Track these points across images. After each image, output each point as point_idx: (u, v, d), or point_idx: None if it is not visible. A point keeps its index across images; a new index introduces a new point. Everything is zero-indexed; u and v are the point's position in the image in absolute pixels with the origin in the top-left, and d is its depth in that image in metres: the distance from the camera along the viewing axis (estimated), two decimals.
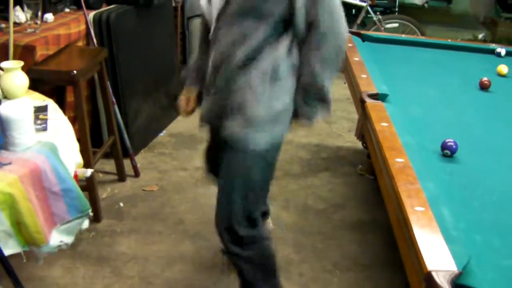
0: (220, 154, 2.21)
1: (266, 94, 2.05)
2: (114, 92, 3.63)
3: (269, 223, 3.09)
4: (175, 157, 4.09)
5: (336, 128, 4.83)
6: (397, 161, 2.02)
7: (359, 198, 3.71)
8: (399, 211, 1.76)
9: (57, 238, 2.19)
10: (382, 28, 6.04)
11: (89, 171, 2.65)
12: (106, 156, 3.69)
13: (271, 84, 2.04)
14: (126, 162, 3.77)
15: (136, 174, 3.79)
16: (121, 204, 3.44)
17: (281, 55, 2.04)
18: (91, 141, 3.12)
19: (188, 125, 4.62)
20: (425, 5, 6.70)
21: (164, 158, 4.09)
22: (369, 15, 6.31)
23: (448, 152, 2.22)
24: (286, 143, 4.31)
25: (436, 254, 1.51)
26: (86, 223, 2.48)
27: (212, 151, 2.54)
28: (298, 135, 4.63)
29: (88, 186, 3.11)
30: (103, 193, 3.53)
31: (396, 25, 6.17)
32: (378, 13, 6.31)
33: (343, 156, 4.33)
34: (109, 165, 3.79)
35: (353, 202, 3.66)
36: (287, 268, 2.96)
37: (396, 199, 1.81)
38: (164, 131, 4.51)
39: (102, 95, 3.46)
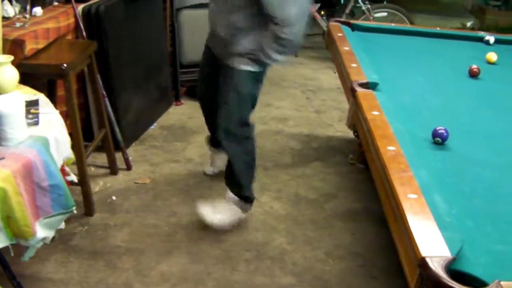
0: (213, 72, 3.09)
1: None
2: (105, 85, 3.61)
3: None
4: (167, 150, 4.09)
5: (326, 118, 4.85)
6: (388, 149, 2.04)
7: (350, 187, 3.72)
8: (392, 198, 1.78)
9: (40, 231, 2.19)
10: (371, 18, 6.05)
11: (74, 177, 2.69)
12: (98, 149, 3.69)
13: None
14: (118, 156, 3.77)
15: (128, 167, 3.78)
16: (114, 198, 3.44)
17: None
18: (82, 134, 3.12)
19: (179, 117, 4.63)
20: None
21: (155, 151, 4.09)
22: (357, 5, 6.31)
23: (439, 140, 2.24)
24: (276, 133, 4.40)
25: (430, 240, 1.53)
26: (62, 224, 2.49)
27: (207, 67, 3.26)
28: (288, 125, 4.65)
29: (81, 180, 3.10)
30: (96, 187, 3.52)
31: (385, 14, 6.18)
32: (367, 2, 6.31)
33: (334, 145, 4.35)
34: (101, 159, 3.79)
35: (345, 191, 3.68)
36: (281, 258, 2.98)
37: (389, 187, 1.82)
38: (155, 124, 4.50)
39: (93, 88, 3.46)
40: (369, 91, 2.63)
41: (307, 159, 4.11)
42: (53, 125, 2.34)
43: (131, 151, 3.99)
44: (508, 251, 1.63)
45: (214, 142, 3.59)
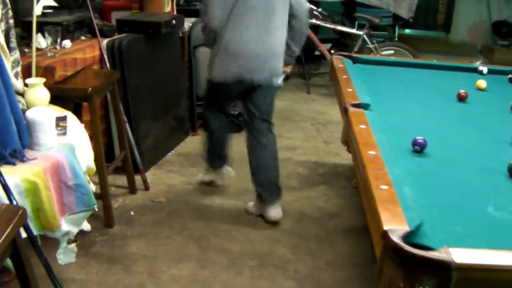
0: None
1: None
2: (126, 112, 3.97)
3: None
4: (183, 174, 4.40)
5: (334, 147, 5.13)
6: (369, 153, 2.32)
7: (352, 207, 3.98)
8: (367, 189, 2.06)
9: (65, 226, 2.50)
10: (378, 55, 6.37)
11: (93, 187, 3.01)
12: (118, 172, 4.04)
13: None
14: (137, 178, 4.09)
15: (146, 187, 4.10)
16: (132, 213, 3.75)
17: None
18: (104, 156, 3.45)
19: (196, 146, 4.93)
20: (410, 20, 7.28)
21: (172, 174, 4.40)
22: (366, 45, 6.66)
23: (418, 148, 2.51)
24: (285, 160, 4.70)
25: (392, 218, 1.80)
26: (88, 226, 2.82)
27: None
28: (297, 153, 4.95)
29: (101, 194, 3.41)
30: (115, 203, 3.83)
31: (392, 52, 6.51)
32: (374, 41, 6.66)
33: (340, 172, 4.63)
34: (121, 180, 4.11)
35: (347, 211, 3.95)
36: (283, 266, 3.25)
37: (366, 181, 2.11)
38: (172, 151, 4.83)
39: (115, 113, 3.81)
40: (360, 110, 2.93)
41: (313, 183, 4.39)
42: (79, 136, 2.67)
43: (149, 174, 4.30)
44: (466, 232, 1.88)
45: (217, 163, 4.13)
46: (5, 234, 1.76)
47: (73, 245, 2.82)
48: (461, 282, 1.57)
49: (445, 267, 1.57)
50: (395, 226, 1.75)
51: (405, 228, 1.75)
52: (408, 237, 1.72)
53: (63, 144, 2.50)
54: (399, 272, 1.63)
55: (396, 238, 1.68)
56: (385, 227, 1.74)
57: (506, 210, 2.08)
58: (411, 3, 7.16)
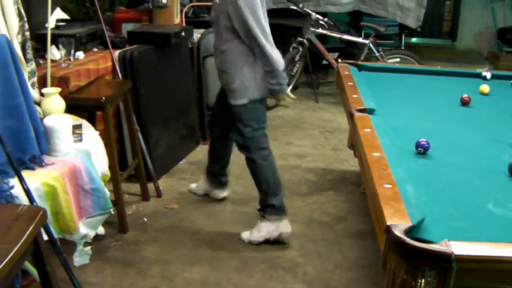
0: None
1: None
2: (138, 121, 4.08)
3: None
4: (194, 181, 4.47)
5: (342, 154, 5.21)
6: (373, 154, 2.42)
7: (360, 212, 4.06)
8: (372, 188, 2.15)
9: (83, 229, 2.60)
10: (384, 63, 6.46)
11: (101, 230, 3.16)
12: (131, 181, 4.16)
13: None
14: (149, 186, 4.19)
15: (159, 194, 4.20)
16: (145, 219, 3.84)
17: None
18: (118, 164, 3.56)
19: (206, 154, 5.01)
20: (418, 29, 7.32)
21: (184, 182, 4.50)
22: (372, 54, 6.75)
23: (421, 150, 2.60)
24: (294, 168, 4.79)
25: (395, 214, 1.90)
26: (102, 229, 2.94)
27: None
28: (306, 160, 5.04)
29: (116, 201, 3.51)
30: (129, 210, 3.93)
31: (397, 60, 6.61)
32: (380, 49, 6.76)
33: (348, 178, 4.71)
34: (134, 188, 4.21)
35: (355, 215, 4.03)
36: (293, 268, 3.33)
37: (370, 180, 2.20)
38: (183, 160, 4.92)
39: (127, 122, 3.92)
40: (365, 114, 3.02)
41: (321, 189, 4.47)
42: (94, 142, 2.78)
43: (162, 182, 4.40)
44: (466, 227, 1.97)
45: (211, 172, 4.14)
46: (27, 232, 1.87)
47: (88, 248, 2.92)
48: (461, 272, 1.66)
49: (445, 259, 1.66)
50: (397, 222, 1.84)
51: (407, 223, 1.84)
52: (410, 232, 1.81)
53: (80, 150, 2.61)
54: (402, 265, 1.73)
55: (398, 232, 1.77)
56: (388, 222, 1.84)
57: (506, 207, 2.17)
58: (418, 13, 7.20)
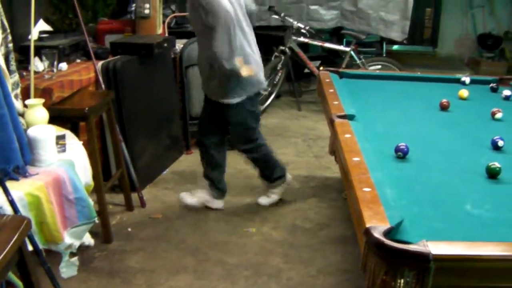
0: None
1: None
2: (121, 131, 4.10)
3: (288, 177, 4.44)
4: (178, 191, 4.48)
5: (324, 161, 5.25)
6: (353, 159, 2.46)
7: (342, 218, 4.10)
8: (352, 192, 2.19)
9: (68, 239, 2.62)
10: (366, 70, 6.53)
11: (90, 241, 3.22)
12: (115, 191, 4.18)
13: None
14: (133, 196, 4.21)
15: (143, 204, 4.21)
16: (129, 229, 3.86)
17: None
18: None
19: (189, 164, 5.05)
20: (404, 41, 7.23)
21: (167, 192, 4.52)
22: (354, 62, 6.82)
23: (400, 154, 2.65)
24: None
25: (374, 216, 1.93)
26: (91, 240, 2.94)
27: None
28: (288, 168, 5.04)
29: (100, 211, 3.52)
30: (113, 220, 3.94)
31: (379, 67, 6.68)
32: (361, 57, 6.83)
33: (330, 184, 4.76)
34: (118, 198, 4.23)
35: (337, 221, 4.07)
36: (277, 274, 3.36)
37: (351, 184, 2.24)
38: (167, 170, 4.94)
39: (111, 132, 3.94)
40: (346, 120, 3.07)
41: (304, 196, 4.51)
42: (77, 152, 2.80)
43: (145, 192, 4.41)
44: (444, 228, 2.01)
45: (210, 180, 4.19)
46: (12, 242, 1.88)
47: (75, 258, 2.93)
48: (439, 272, 1.70)
49: (423, 259, 1.70)
50: (376, 224, 1.88)
51: (386, 225, 1.88)
52: (389, 233, 1.85)
53: (63, 160, 2.63)
54: (381, 266, 1.76)
55: (377, 234, 1.81)
56: (368, 225, 1.87)
57: (483, 208, 2.21)
58: (403, 25, 7.12)
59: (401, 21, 7.11)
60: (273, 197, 4.31)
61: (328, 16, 7.40)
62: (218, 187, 4.16)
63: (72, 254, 3.01)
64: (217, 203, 4.19)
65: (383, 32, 7.26)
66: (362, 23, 7.20)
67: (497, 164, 2.47)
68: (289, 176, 4.37)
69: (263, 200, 4.29)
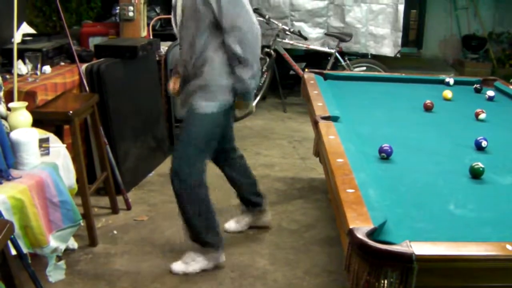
0: None
1: None
2: (106, 134, 4.08)
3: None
4: (163, 193, 4.49)
5: (310, 163, 5.27)
6: (337, 161, 2.46)
7: (328, 218, 4.11)
8: (335, 193, 2.20)
9: (53, 242, 2.61)
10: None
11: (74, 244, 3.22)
12: (100, 194, 4.16)
13: None
14: (119, 199, 4.19)
15: (128, 207, 4.20)
16: (115, 232, 3.84)
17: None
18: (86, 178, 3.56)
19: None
20: (398, 55, 7.00)
21: (153, 194, 4.51)
22: (339, 64, 6.84)
23: (384, 155, 2.66)
24: (263, 177, 4.82)
25: (357, 217, 1.94)
26: (75, 244, 2.93)
27: None
28: (274, 170, 5.08)
29: (84, 214, 3.50)
30: (98, 223, 3.92)
31: (364, 68, 6.70)
32: (346, 58, 6.85)
33: (316, 186, 4.77)
34: (103, 201, 4.21)
35: (323, 222, 4.08)
36: (263, 276, 3.36)
37: (334, 186, 2.24)
38: (153, 172, 4.93)
39: (95, 135, 3.92)
40: (330, 122, 3.08)
41: (290, 198, 4.52)
42: (61, 155, 2.78)
43: (131, 195, 4.40)
44: (428, 228, 2.02)
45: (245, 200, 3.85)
46: None
47: (62, 262, 2.92)
48: (422, 272, 1.71)
49: (406, 259, 1.71)
50: (360, 225, 1.88)
51: (369, 226, 1.89)
52: (372, 234, 1.86)
53: (47, 163, 2.62)
54: (365, 266, 1.77)
55: (360, 235, 1.81)
56: (351, 226, 1.88)
57: (467, 208, 2.23)
58: (395, 38, 6.91)
59: (392, 34, 6.90)
60: (192, 265, 3.37)
61: (314, 35, 7.16)
62: (254, 202, 3.84)
63: (58, 258, 2.99)
64: (264, 219, 3.91)
65: (373, 49, 7.02)
66: (350, 40, 6.91)
67: (480, 165, 2.48)
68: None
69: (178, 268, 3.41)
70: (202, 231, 3.30)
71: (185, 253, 3.40)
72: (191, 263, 3.35)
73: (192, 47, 3.15)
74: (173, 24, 3.30)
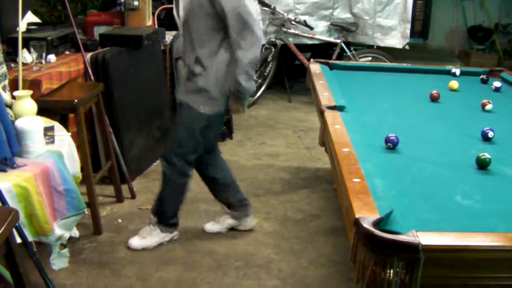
0: None
1: None
2: (111, 123, 4.07)
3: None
4: None
5: (315, 153, 5.26)
6: (343, 150, 2.45)
7: (333, 208, 4.11)
8: (341, 183, 2.19)
9: (58, 230, 2.61)
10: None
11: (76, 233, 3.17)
12: (105, 183, 4.16)
13: None
14: (124, 187, 4.19)
15: (133, 196, 4.20)
16: (120, 220, 3.85)
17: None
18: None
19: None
20: (406, 46, 6.87)
21: (158, 183, 4.46)
22: (345, 54, 6.81)
23: (390, 145, 2.64)
24: (268, 167, 4.81)
25: (363, 206, 1.93)
26: (76, 232, 2.94)
27: None
28: (279, 160, 5.07)
29: (89, 203, 3.51)
30: (103, 212, 3.92)
31: (369, 58, 6.67)
32: (352, 49, 6.82)
33: (321, 175, 4.76)
34: (108, 190, 4.21)
35: (328, 212, 4.07)
36: (267, 265, 3.36)
37: (340, 175, 2.23)
38: (157, 161, 4.92)
39: (100, 124, 3.92)
40: (336, 111, 3.06)
41: (295, 187, 4.51)
42: (66, 144, 2.78)
43: (136, 184, 4.40)
44: (434, 218, 2.01)
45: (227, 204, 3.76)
46: None
47: (66, 250, 2.92)
48: (429, 262, 1.70)
49: (413, 249, 1.70)
50: (366, 214, 1.87)
51: (376, 215, 1.88)
52: (378, 224, 1.85)
53: (52, 151, 2.61)
54: (371, 256, 1.76)
55: (367, 225, 1.80)
56: (357, 215, 1.87)
57: (473, 198, 2.22)
58: (403, 30, 6.79)
59: (401, 25, 6.77)
60: (149, 238, 3.52)
61: (320, 28, 7.03)
62: (239, 204, 3.73)
63: (62, 246, 3.00)
64: (249, 221, 3.77)
65: (381, 42, 6.89)
66: (357, 32, 6.90)
67: (487, 155, 2.47)
68: None
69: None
70: (169, 214, 3.53)
71: (142, 228, 3.59)
72: (148, 237, 3.52)
73: (191, 43, 3.20)
74: (175, 16, 3.31)
